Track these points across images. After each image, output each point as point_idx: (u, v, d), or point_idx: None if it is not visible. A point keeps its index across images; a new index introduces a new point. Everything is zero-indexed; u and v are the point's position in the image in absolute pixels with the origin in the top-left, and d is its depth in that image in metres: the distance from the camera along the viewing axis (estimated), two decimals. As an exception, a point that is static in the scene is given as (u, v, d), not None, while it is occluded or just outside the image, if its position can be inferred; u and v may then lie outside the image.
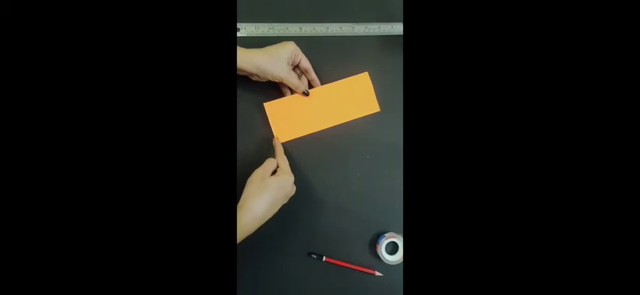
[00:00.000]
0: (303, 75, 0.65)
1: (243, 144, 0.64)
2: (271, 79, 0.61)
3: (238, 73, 0.59)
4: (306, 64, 0.63)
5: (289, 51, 0.60)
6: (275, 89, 0.65)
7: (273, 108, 0.66)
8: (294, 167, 0.61)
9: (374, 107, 0.67)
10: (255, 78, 0.61)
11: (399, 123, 0.65)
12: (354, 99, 0.66)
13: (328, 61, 0.67)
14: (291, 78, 0.61)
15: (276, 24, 0.66)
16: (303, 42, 0.66)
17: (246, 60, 0.58)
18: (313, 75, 0.64)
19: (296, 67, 0.64)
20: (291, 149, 0.66)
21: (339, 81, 0.66)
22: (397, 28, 0.68)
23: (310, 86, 0.65)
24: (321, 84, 0.66)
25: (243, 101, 0.64)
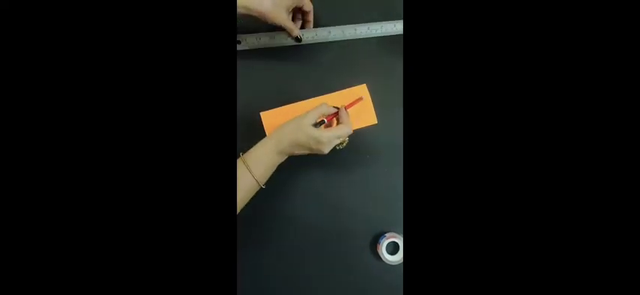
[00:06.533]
0: (298, 14, 0.65)
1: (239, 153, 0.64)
2: (270, 23, 0.60)
3: (242, 10, 0.57)
4: (308, 7, 0.63)
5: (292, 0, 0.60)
6: (271, 97, 0.65)
7: (269, 118, 0.65)
8: (292, 166, 0.61)
9: (371, 119, 0.65)
10: (253, 19, 0.60)
11: (398, 130, 0.65)
12: (351, 110, 0.65)
13: (328, 70, 0.67)
14: (288, 24, 0.62)
15: (277, 33, 0.65)
16: (304, 49, 0.67)
17: (253, 3, 0.58)
18: (310, 18, 0.64)
19: (297, 11, 0.64)
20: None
21: (337, 92, 0.65)
22: (399, 27, 0.66)
23: (303, 26, 0.66)
24: (320, 93, 0.66)
25: (239, 109, 0.63)
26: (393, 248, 0.63)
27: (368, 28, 0.66)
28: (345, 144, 0.64)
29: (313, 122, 0.57)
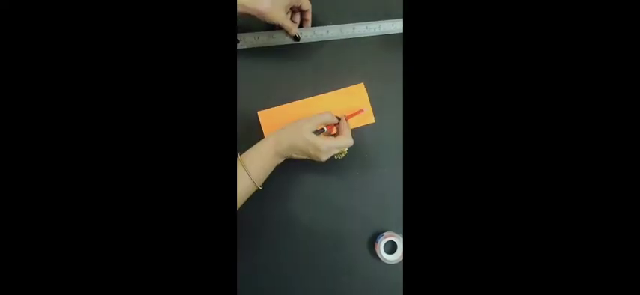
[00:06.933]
0: (296, 14, 0.65)
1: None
2: (269, 22, 0.61)
3: (240, 9, 0.57)
4: (306, 6, 0.63)
5: None
6: (269, 96, 0.65)
7: (266, 117, 0.64)
8: (290, 165, 0.60)
9: (369, 118, 0.65)
10: (252, 18, 0.60)
11: (395, 130, 0.65)
12: (349, 109, 0.64)
13: (326, 69, 0.66)
14: (286, 23, 0.61)
15: (275, 32, 0.65)
16: (301, 48, 0.66)
17: (249, 3, 0.57)
18: (308, 17, 0.65)
19: (295, 8, 0.64)
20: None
21: (334, 91, 0.65)
22: (398, 26, 0.66)
23: (301, 25, 0.66)
24: (318, 92, 0.65)
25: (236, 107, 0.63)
26: (390, 248, 0.63)
27: (366, 28, 0.66)
28: (343, 155, 0.63)
29: (314, 129, 0.56)
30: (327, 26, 0.66)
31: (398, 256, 0.62)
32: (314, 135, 0.55)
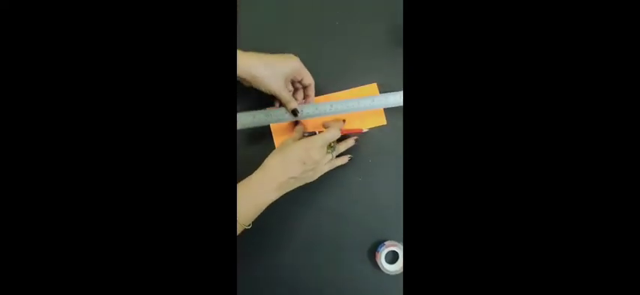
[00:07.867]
0: (299, 91, 0.60)
1: (243, 150, 0.63)
2: (264, 91, 0.55)
3: None
4: (308, 80, 0.58)
5: (291, 68, 0.56)
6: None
7: None
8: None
9: (380, 120, 0.63)
10: (246, 85, 0.55)
11: (401, 135, 0.63)
12: (357, 117, 0.63)
13: (339, 67, 0.64)
14: (284, 94, 0.56)
15: (272, 110, 0.59)
16: (315, 40, 0.64)
17: (242, 65, 0.52)
18: (311, 92, 0.59)
19: (296, 82, 0.59)
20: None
21: (345, 90, 0.63)
22: (398, 99, 0.58)
23: (304, 101, 0.61)
24: (330, 90, 0.63)
25: (245, 106, 0.61)
26: (392, 257, 0.62)
27: (372, 101, 0.60)
28: (335, 150, 0.60)
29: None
30: (331, 102, 0.60)
31: (399, 266, 0.61)
32: (298, 141, 0.54)
